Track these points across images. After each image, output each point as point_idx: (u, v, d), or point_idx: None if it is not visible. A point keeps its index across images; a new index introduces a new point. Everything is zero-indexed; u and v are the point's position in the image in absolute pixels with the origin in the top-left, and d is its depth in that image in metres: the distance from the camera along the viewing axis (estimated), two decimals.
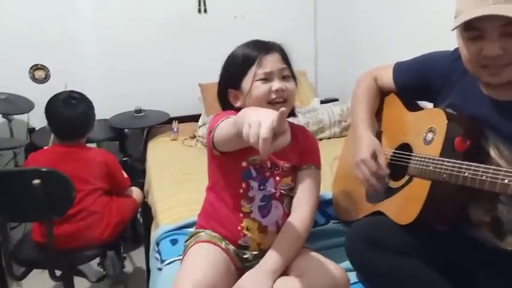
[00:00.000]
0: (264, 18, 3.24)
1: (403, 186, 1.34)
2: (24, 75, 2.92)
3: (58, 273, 1.94)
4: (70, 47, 2.98)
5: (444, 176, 1.17)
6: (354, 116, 1.57)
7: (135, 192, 2.26)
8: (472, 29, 1.12)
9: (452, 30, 1.16)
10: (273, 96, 1.32)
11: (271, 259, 1.24)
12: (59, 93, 2.05)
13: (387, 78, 1.55)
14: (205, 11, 3.15)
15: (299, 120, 2.71)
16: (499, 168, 1.04)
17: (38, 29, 2.90)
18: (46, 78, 2.97)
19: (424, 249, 1.23)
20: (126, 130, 3.03)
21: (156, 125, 2.97)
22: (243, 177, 1.34)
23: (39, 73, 2.95)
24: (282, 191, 1.37)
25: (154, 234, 1.73)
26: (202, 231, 1.38)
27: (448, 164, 1.16)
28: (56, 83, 2.95)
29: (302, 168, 1.41)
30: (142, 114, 2.94)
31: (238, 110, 1.27)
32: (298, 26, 3.33)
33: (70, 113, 1.98)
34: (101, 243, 1.99)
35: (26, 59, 2.91)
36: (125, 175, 2.19)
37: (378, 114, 1.59)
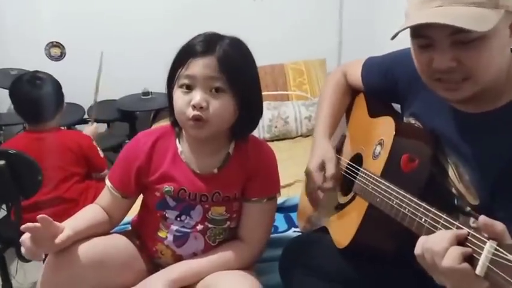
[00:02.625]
0: (285, 1, 3.06)
1: (347, 203, 1.18)
2: (40, 52, 2.97)
3: None
4: (85, 25, 2.98)
5: (377, 200, 1.01)
6: (316, 116, 1.41)
7: None
8: (420, 36, 0.93)
9: (392, 39, 0.95)
10: (191, 112, 1.07)
11: (177, 268, 1.16)
12: (24, 73, 2.03)
13: (357, 76, 1.37)
14: None
15: (300, 112, 2.56)
16: (419, 203, 0.86)
17: (56, 6, 2.92)
18: (61, 55, 3.00)
19: (365, 280, 1.09)
20: (137, 112, 3.01)
21: (164, 108, 2.92)
22: (157, 207, 1.20)
23: (54, 50, 2.98)
24: (208, 224, 1.20)
25: None
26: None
27: (383, 186, 1.00)
28: (70, 61, 3.00)
29: (251, 201, 1.21)
30: (149, 96, 2.90)
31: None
32: (322, 10, 3.12)
33: (35, 93, 1.93)
34: None
35: (42, 36, 2.95)
36: (101, 157, 2.14)
37: (347, 114, 1.42)
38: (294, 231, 1.56)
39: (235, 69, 1.09)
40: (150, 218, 1.24)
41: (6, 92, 2.71)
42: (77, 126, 2.92)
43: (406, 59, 1.19)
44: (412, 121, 1.14)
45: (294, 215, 1.60)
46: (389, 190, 0.97)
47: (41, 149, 1.88)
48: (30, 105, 1.96)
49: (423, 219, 0.83)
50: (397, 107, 1.34)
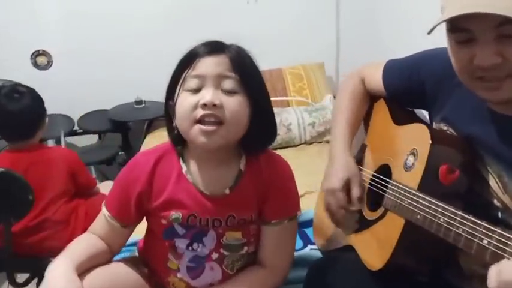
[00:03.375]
0: (280, 4, 2.97)
1: (377, 220, 1.07)
2: (26, 61, 2.83)
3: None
4: (73, 33, 2.85)
5: (418, 217, 0.90)
6: (332, 127, 1.30)
7: (108, 186, 2.08)
8: (459, 30, 0.83)
9: (429, 33, 0.85)
10: (200, 112, 0.94)
11: None
12: (1, 86, 1.88)
13: (376, 80, 1.27)
14: None
15: (303, 118, 2.46)
16: (477, 221, 0.76)
17: (40, 14, 2.79)
18: (48, 64, 2.87)
19: None
20: (130, 122, 2.89)
21: (158, 117, 2.80)
22: (164, 236, 1.06)
23: (41, 59, 2.85)
24: (224, 251, 1.06)
25: None
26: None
27: (424, 202, 0.90)
28: (57, 70, 2.87)
29: (270, 223, 1.08)
30: (143, 105, 2.78)
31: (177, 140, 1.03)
32: (318, 11, 3.02)
33: (13, 108, 1.77)
34: None
35: (28, 45, 2.83)
36: (89, 175, 2.02)
37: (365, 122, 1.31)
38: (311, 249, 1.44)
39: (248, 69, 0.99)
40: (157, 247, 1.10)
41: None
42: (66, 138, 2.78)
43: (433, 59, 1.11)
44: (444, 127, 1.04)
45: (308, 231, 1.49)
46: (433, 206, 0.87)
47: (25, 170, 1.73)
48: (8, 120, 1.80)
49: (485, 241, 0.73)
50: (420, 113, 1.25)
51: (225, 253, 1.07)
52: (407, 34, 2.65)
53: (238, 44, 1.03)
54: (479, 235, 0.74)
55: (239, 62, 0.98)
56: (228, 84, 0.96)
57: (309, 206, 1.65)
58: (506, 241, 0.70)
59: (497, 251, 0.70)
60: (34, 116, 1.83)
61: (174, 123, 1.01)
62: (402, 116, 1.19)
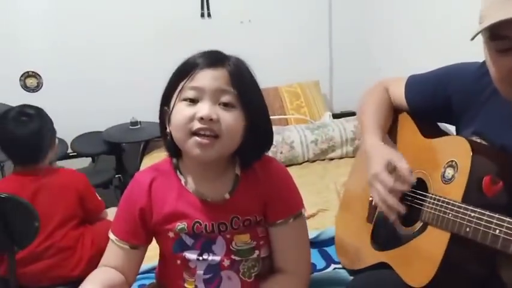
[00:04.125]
0: (274, 23, 3.00)
1: (415, 235, 1.05)
2: (15, 83, 2.75)
3: None
4: (62, 54, 2.79)
5: (467, 229, 0.89)
6: (362, 131, 1.28)
7: (112, 213, 2.00)
8: (500, 38, 0.84)
9: (472, 39, 0.86)
10: (196, 125, 0.93)
11: None
12: (9, 109, 1.81)
13: (398, 95, 1.27)
14: (208, 15, 2.92)
15: (306, 136, 2.45)
16: None
17: (30, 35, 2.73)
18: (38, 86, 2.79)
19: None
20: (124, 144, 2.82)
21: (154, 138, 2.75)
22: (174, 250, 1.05)
23: (30, 81, 2.77)
24: (235, 256, 1.04)
25: None
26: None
27: (473, 214, 0.88)
28: (48, 92, 2.80)
29: (276, 224, 1.06)
30: (138, 126, 2.73)
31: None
32: (312, 32, 3.07)
33: (21, 133, 1.71)
34: (71, 280, 1.74)
35: (17, 66, 2.74)
36: (98, 198, 1.95)
37: (391, 134, 1.30)
38: (335, 268, 1.40)
39: (247, 84, 0.99)
40: (171, 268, 1.07)
41: None
42: (58, 162, 2.69)
43: (459, 74, 1.12)
44: (477, 140, 1.04)
45: (330, 249, 1.46)
46: (485, 218, 0.85)
47: (32, 194, 1.67)
48: (15, 144, 1.73)
49: None
50: (444, 126, 1.25)
51: (236, 258, 1.04)
52: (396, 54, 2.72)
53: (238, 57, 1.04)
54: None
55: (238, 76, 0.97)
56: (226, 98, 0.96)
57: (325, 224, 1.64)
58: None
59: None
60: (43, 140, 1.77)
61: (167, 129, 1.01)
62: (429, 129, 1.19)
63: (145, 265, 1.45)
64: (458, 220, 0.91)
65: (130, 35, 2.86)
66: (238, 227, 1.03)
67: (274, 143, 2.40)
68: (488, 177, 0.92)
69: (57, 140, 1.86)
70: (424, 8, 2.43)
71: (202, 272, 1.04)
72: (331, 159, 2.42)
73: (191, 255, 1.03)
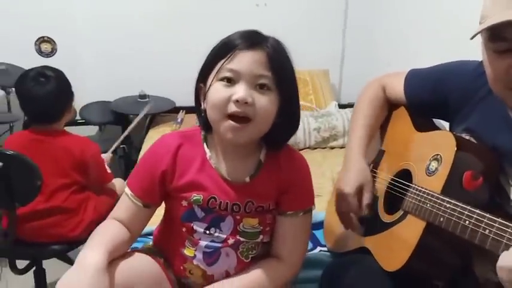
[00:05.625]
0: (290, 9, 2.99)
1: (395, 222, 1.09)
2: (31, 47, 2.80)
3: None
4: (79, 21, 2.84)
5: (441, 219, 0.92)
6: (350, 131, 1.33)
7: (119, 184, 2.06)
8: (499, 39, 0.86)
9: (472, 38, 0.89)
10: (232, 108, 0.95)
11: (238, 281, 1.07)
12: (31, 69, 1.86)
13: (397, 89, 1.29)
14: None
15: (309, 123, 2.48)
16: (507, 223, 0.78)
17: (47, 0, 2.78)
18: (52, 52, 2.84)
19: None
20: (131, 115, 2.87)
21: (161, 112, 2.80)
22: (182, 219, 1.08)
23: (45, 46, 2.82)
24: (240, 237, 1.08)
25: None
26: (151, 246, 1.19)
27: (448, 204, 0.92)
28: (62, 58, 2.85)
29: (286, 214, 1.10)
30: (146, 100, 2.77)
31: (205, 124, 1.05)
32: (326, 21, 3.06)
33: (38, 92, 1.77)
34: (70, 239, 1.81)
35: (32, 31, 2.79)
36: (107, 170, 1.99)
37: (382, 128, 1.34)
38: (321, 251, 1.45)
39: (284, 68, 1.00)
40: (174, 234, 1.11)
41: None
42: (66, 127, 2.75)
43: (458, 72, 1.14)
44: (466, 137, 1.07)
45: (318, 233, 1.50)
46: (458, 209, 0.89)
47: (39, 152, 1.72)
48: (32, 103, 1.79)
49: None
50: (438, 122, 1.28)
51: (241, 239, 1.08)
52: (405, 51, 2.72)
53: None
54: (508, 236, 0.77)
55: (276, 59, 0.98)
56: (263, 81, 0.97)
57: (317, 208, 1.67)
58: None
59: None
60: (58, 101, 1.82)
61: (202, 107, 1.02)
62: (424, 123, 1.21)
63: (148, 227, 1.50)
64: (435, 210, 0.94)
65: (145, 9, 2.88)
66: (250, 211, 1.06)
67: None
68: (469, 172, 0.96)
69: (73, 104, 1.90)
70: (434, 8, 2.43)
71: (204, 244, 1.07)
72: (332, 148, 2.45)
73: (199, 228, 1.06)
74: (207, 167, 1.06)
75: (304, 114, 2.53)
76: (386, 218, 1.14)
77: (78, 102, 2.81)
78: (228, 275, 1.10)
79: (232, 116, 0.96)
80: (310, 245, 1.47)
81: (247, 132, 0.97)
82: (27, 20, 2.77)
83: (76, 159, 1.80)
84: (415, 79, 1.26)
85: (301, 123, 2.47)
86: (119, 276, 0.99)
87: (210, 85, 0.99)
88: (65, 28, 2.83)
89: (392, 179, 1.17)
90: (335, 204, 1.24)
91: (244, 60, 0.96)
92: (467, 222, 0.85)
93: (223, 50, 0.98)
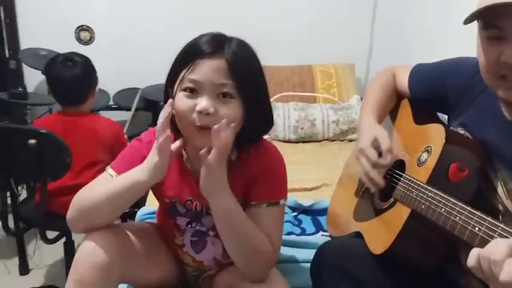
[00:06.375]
0: (317, 1, 3.02)
1: (386, 209, 1.15)
2: (71, 34, 2.97)
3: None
4: (115, 11, 2.97)
5: (423, 207, 0.98)
6: (361, 110, 1.36)
7: None
8: (491, 26, 0.90)
9: (465, 23, 0.93)
10: (196, 119, 0.96)
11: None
12: (60, 54, 2.02)
13: (403, 81, 1.34)
14: None
15: (328, 115, 2.53)
16: (473, 211, 0.83)
17: None
18: (91, 40, 3.00)
19: None
20: (161, 103, 2.99)
21: None
22: (168, 212, 1.16)
23: (84, 34, 2.98)
24: None
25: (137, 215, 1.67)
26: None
27: (430, 193, 0.97)
28: (99, 46, 3.00)
29: (250, 205, 1.08)
30: None
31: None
32: (355, 14, 3.07)
33: (64, 75, 1.91)
34: None
35: (73, 19, 2.95)
36: None
37: (392, 117, 1.39)
38: (322, 235, 1.53)
39: (245, 73, 1.00)
40: (165, 221, 1.21)
41: (35, 71, 2.75)
42: (101, 112, 2.92)
43: (459, 68, 1.18)
44: (461, 131, 1.11)
45: (322, 219, 1.58)
46: (437, 198, 0.94)
47: (68, 132, 1.86)
48: (59, 85, 1.94)
49: (477, 228, 0.81)
50: (441, 117, 1.32)
51: None
52: (432, 50, 2.70)
53: (240, 37, 1.03)
54: (473, 223, 0.82)
55: (237, 66, 0.98)
56: (224, 90, 0.97)
57: (324, 196, 1.75)
58: (495, 228, 0.77)
59: (485, 236, 0.78)
60: (83, 85, 1.96)
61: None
62: (423, 116, 1.25)
63: (149, 208, 1.62)
64: (418, 198, 1.00)
65: (174, 3, 2.98)
66: None
67: (297, 118, 2.51)
68: (455, 164, 1.00)
69: (97, 89, 2.03)
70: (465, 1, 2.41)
71: (190, 234, 1.16)
72: (351, 140, 2.49)
73: (181, 222, 1.15)
74: (184, 169, 1.12)
75: (324, 107, 2.59)
76: (380, 205, 1.20)
77: (112, 89, 2.98)
78: (216, 261, 1.19)
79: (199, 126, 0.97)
80: (313, 229, 1.56)
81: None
82: (68, 9, 2.92)
83: (100, 139, 1.93)
84: (419, 74, 1.30)
85: (320, 115, 2.57)
86: (122, 237, 1.08)
87: (175, 94, 1.00)
88: (103, 18, 2.97)
89: (389, 169, 1.23)
90: (356, 167, 1.22)
91: (205, 70, 0.96)
92: (442, 209, 0.91)
93: (185, 59, 0.99)
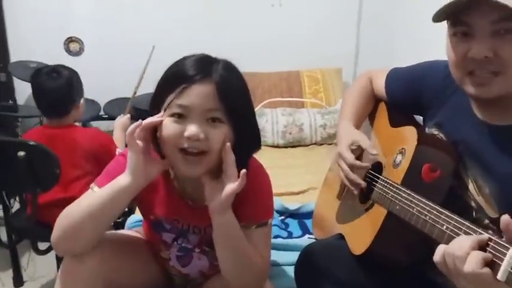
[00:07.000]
0: (304, 8, 3.07)
1: (365, 210, 1.18)
2: (60, 46, 3.00)
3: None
4: (104, 23, 3.00)
5: (397, 207, 1.01)
6: (340, 115, 1.41)
7: None
8: (459, 23, 0.93)
9: (434, 21, 0.96)
10: (185, 143, 0.94)
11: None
12: (47, 66, 2.03)
13: (380, 85, 1.38)
14: None
15: (316, 120, 2.57)
16: (441, 210, 0.87)
17: (75, 2, 2.97)
18: (80, 51, 3.03)
19: None
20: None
21: None
22: (153, 228, 1.16)
23: (73, 45, 3.01)
24: (206, 247, 1.14)
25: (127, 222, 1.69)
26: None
27: (403, 194, 1.01)
28: (88, 57, 3.03)
29: (239, 226, 1.05)
30: None
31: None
32: (340, 19, 3.12)
33: (48, 86, 1.92)
34: None
35: (62, 31, 2.98)
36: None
37: (371, 121, 1.43)
38: (309, 238, 1.56)
39: (234, 97, 0.98)
40: (151, 236, 1.21)
41: (25, 83, 2.77)
42: (92, 122, 2.94)
43: (433, 71, 1.21)
44: (435, 132, 1.15)
45: (308, 222, 1.61)
46: (410, 198, 0.98)
47: (52, 145, 1.85)
48: (42, 96, 1.95)
49: (445, 227, 0.84)
50: (418, 118, 1.35)
51: (207, 249, 1.14)
52: (421, 53, 2.71)
53: (227, 59, 1.02)
54: (441, 221, 0.85)
55: (226, 90, 0.96)
56: (214, 115, 0.95)
57: (311, 200, 1.78)
58: (460, 226, 0.81)
59: (452, 234, 0.81)
60: (66, 96, 1.95)
61: (158, 134, 0.99)
62: (398, 119, 1.29)
63: (139, 216, 1.64)
64: (393, 199, 1.03)
65: (167, 11, 3.01)
66: (210, 232, 1.04)
67: (285, 123, 2.55)
68: (428, 164, 1.03)
69: (82, 101, 2.03)
70: None
71: (176, 249, 1.17)
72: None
73: (167, 238, 1.15)
74: (170, 189, 1.10)
75: (312, 112, 2.63)
76: (360, 207, 1.23)
77: (103, 99, 3.01)
78: (202, 274, 1.21)
79: (185, 150, 0.95)
80: (300, 233, 1.59)
81: (202, 164, 0.97)
82: (57, 21, 2.96)
83: (87, 150, 1.93)
84: (395, 77, 1.34)
85: (307, 120, 2.60)
86: (114, 244, 1.10)
87: (161, 121, 0.96)
88: (92, 29, 3.00)
89: (368, 171, 1.26)
90: (336, 171, 1.27)
91: (193, 95, 0.93)
92: (415, 209, 0.94)
93: (172, 83, 0.96)
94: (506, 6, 0.84)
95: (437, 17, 0.96)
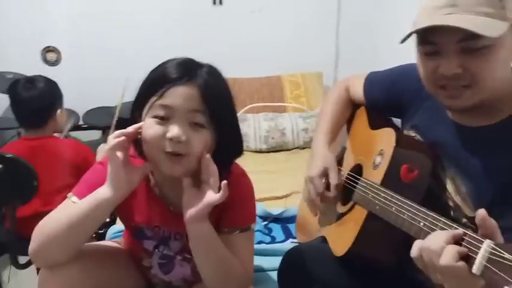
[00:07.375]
0: (283, 15, 3.10)
1: (346, 212, 1.19)
2: (37, 56, 2.96)
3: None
4: (81, 32, 2.98)
5: (377, 207, 1.02)
6: (316, 127, 1.42)
7: None
8: (427, 43, 0.95)
9: (401, 42, 0.98)
10: (166, 146, 0.93)
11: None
12: (24, 77, 2.01)
13: (358, 90, 1.38)
14: (220, 2, 3.04)
15: (297, 124, 2.57)
16: (418, 207, 0.88)
17: (52, 12, 2.93)
18: (57, 61, 3.00)
19: None
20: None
21: None
22: (134, 235, 1.14)
23: (50, 55, 2.98)
24: (187, 255, 1.11)
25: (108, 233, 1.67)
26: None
27: (382, 194, 1.01)
28: (66, 67, 3.00)
29: (223, 232, 1.07)
30: None
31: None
32: (319, 24, 3.15)
33: (27, 95, 1.90)
34: None
35: (39, 40, 2.95)
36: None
37: (348, 126, 1.43)
38: (292, 242, 1.56)
39: (217, 101, 0.98)
40: (132, 244, 1.19)
41: (2, 95, 2.72)
42: (71, 132, 2.90)
43: (410, 73, 1.22)
44: (412, 134, 1.16)
45: (291, 226, 1.61)
46: (388, 197, 0.98)
47: (32, 157, 1.82)
48: (19, 107, 1.93)
49: (422, 223, 0.85)
50: (396, 121, 1.36)
51: (189, 256, 1.12)
52: (403, 54, 2.73)
53: (211, 64, 1.02)
54: (418, 219, 0.86)
55: (209, 94, 0.96)
56: (196, 119, 0.95)
57: (295, 204, 1.78)
58: (436, 222, 0.82)
59: (429, 230, 0.82)
60: (43, 107, 1.93)
61: (139, 136, 0.99)
62: (377, 121, 1.30)
63: (120, 226, 1.62)
64: (373, 200, 1.03)
65: (145, 18, 3.01)
66: None
67: (267, 128, 2.55)
68: (406, 165, 1.04)
69: (59, 111, 2.00)
70: None
71: (157, 257, 1.15)
72: None
73: (148, 246, 1.14)
74: (151, 195, 1.10)
75: (293, 116, 2.63)
76: (341, 209, 1.23)
77: (82, 108, 2.97)
78: (185, 281, 1.19)
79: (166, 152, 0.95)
80: (283, 237, 1.59)
81: (183, 165, 0.96)
82: (34, 30, 2.93)
83: (69, 162, 1.91)
84: (373, 81, 1.35)
85: (289, 124, 2.60)
86: (93, 255, 1.09)
87: (144, 119, 0.97)
88: (70, 38, 2.98)
89: (348, 173, 1.27)
90: (304, 191, 1.31)
91: (177, 96, 0.94)
92: (393, 208, 0.95)
93: (156, 85, 0.95)
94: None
95: (405, 39, 0.97)
